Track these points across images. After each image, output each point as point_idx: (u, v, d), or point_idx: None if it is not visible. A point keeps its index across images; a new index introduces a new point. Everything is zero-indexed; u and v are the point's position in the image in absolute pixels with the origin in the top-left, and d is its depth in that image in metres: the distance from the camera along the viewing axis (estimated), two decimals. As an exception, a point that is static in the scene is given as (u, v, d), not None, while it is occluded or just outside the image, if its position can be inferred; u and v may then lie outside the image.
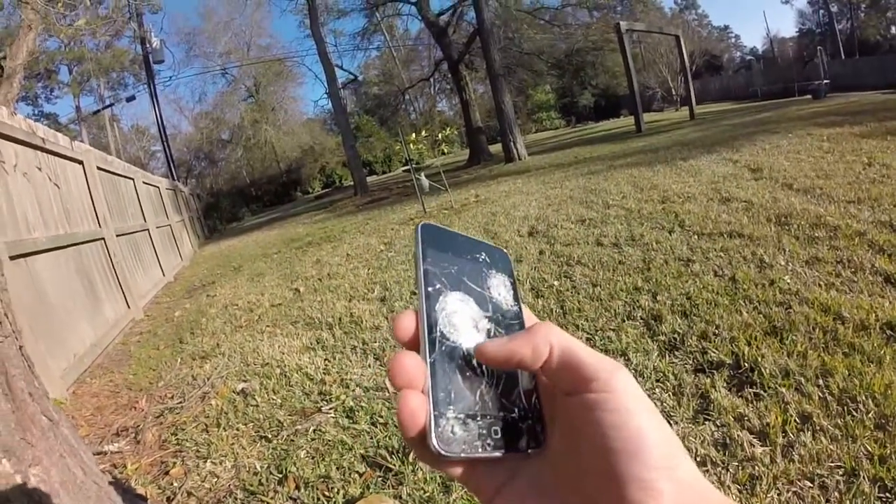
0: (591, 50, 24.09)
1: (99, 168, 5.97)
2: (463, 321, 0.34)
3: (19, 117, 4.20)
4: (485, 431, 0.31)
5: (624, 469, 0.26)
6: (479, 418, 0.31)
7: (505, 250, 0.41)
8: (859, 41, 35.36)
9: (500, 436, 0.31)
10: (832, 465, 1.49)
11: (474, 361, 0.33)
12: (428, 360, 0.31)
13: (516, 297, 0.39)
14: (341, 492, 1.81)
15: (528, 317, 0.38)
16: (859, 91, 17.33)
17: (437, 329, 0.33)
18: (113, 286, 5.21)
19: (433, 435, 0.29)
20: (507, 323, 0.36)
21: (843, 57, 29.88)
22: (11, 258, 3.21)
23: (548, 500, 0.30)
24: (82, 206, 5.13)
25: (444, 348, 0.32)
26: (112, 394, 3.31)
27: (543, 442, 0.32)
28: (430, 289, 0.34)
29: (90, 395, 3.33)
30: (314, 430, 2.27)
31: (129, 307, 5.41)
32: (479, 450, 0.30)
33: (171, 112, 38.57)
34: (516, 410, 0.32)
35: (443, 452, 0.29)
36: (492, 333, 0.35)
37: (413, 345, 0.33)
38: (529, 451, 0.31)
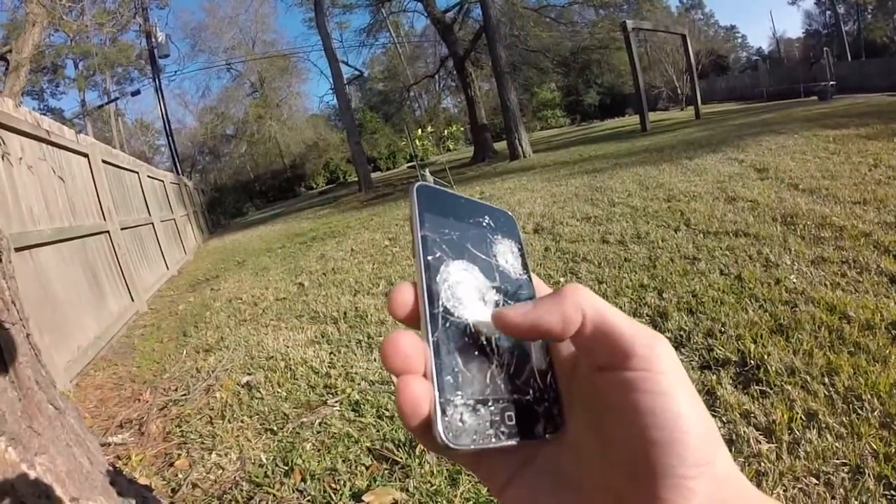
0: (596, 48, 24.01)
1: (104, 161, 5.98)
2: (468, 293, 0.30)
3: (25, 109, 4.21)
4: (497, 418, 0.27)
5: (657, 462, 0.23)
6: (490, 403, 0.27)
7: (510, 213, 0.37)
8: (866, 43, 35.15)
9: (514, 422, 0.27)
10: (838, 462, 1.48)
11: (483, 338, 0.29)
12: (430, 338, 0.27)
13: (525, 266, 0.35)
14: (348, 484, 1.81)
15: (539, 286, 0.35)
16: (866, 93, 17.23)
17: (440, 303, 0.29)
18: (117, 279, 5.23)
19: (440, 425, 0.25)
20: (517, 294, 0.33)
21: (849, 58, 29.67)
22: (17, 250, 3.22)
23: (566, 491, 0.27)
24: (87, 199, 5.14)
25: (447, 325, 0.28)
26: (116, 386, 3.32)
27: (562, 425, 0.29)
28: (429, 257, 0.30)
29: (94, 387, 3.35)
30: (320, 423, 2.27)
31: (132, 300, 5.43)
32: (493, 439, 0.26)
33: (176, 107, 38.73)
34: (531, 392, 0.29)
35: (451, 445, 0.25)
36: (500, 306, 0.31)
37: (412, 322, 0.29)
38: (547, 436, 0.28)
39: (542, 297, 0.29)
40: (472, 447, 0.26)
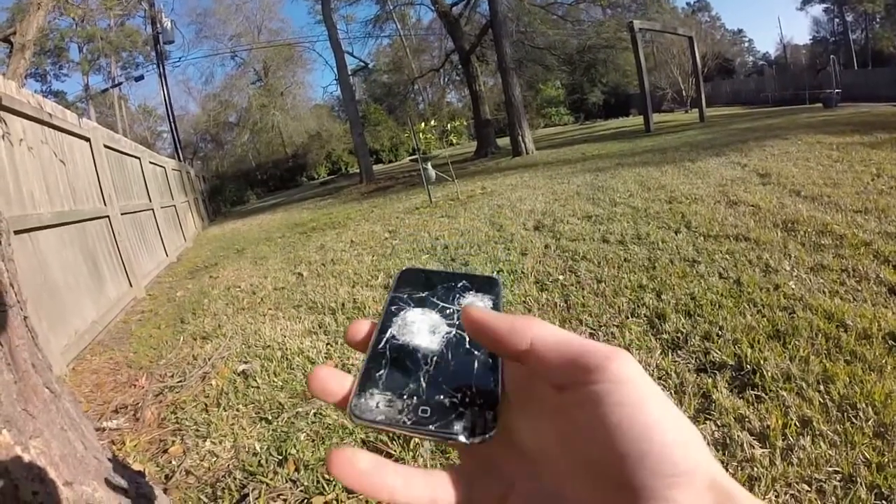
0: (602, 47, 23.99)
1: (106, 146, 5.96)
2: (418, 327, 0.34)
3: (27, 92, 4.19)
4: (411, 409, 0.30)
5: (632, 475, 0.22)
6: (406, 397, 0.30)
7: (497, 277, 0.39)
8: (873, 52, 35.09)
9: (428, 415, 0.29)
10: (830, 470, 1.49)
11: (420, 354, 0.32)
12: (368, 352, 0.32)
13: (495, 308, 0.36)
14: (340, 476, 1.81)
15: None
16: (871, 102, 17.18)
17: (389, 332, 0.33)
18: (116, 264, 5.22)
19: (352, 400, 0.30)
20: None
21: (856, 67, 29.62)
22: (16, 233, 3.21)
23: None
24: (88, 184, 5.13)
25: (392, 344, 0.33)
26: (112, 371, 3.33)
27: (491, 433, 0.29)
28: (392, 307, 0.35)
29: (90, 371, 3.35)
30: (315, 414, 2.28)
31: (131, 286, 5.42)
32: (399, 424, 0.29)
33: (180, 93, 38.71)
34: (458, 397, 0.30)
35: (356, 416, 0.29)
36: (451, 336, 0.34)
37: (361, 348, 0.33)
38: (468, 440, 0.29)
39: (499, 315, 0.30)
40: (377, 425, 0.29)
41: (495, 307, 0.36)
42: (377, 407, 0.29)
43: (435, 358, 0.32)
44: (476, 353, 0.33)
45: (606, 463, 0.23)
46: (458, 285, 0.37)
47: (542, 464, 0.28)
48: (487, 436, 0.29)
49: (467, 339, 0.33)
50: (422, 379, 0.31)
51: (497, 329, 0.29)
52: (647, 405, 0.24)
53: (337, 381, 0.31)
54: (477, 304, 0.36)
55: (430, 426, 0.29)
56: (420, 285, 0.37)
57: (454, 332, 0.34)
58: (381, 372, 0.31)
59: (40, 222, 3.62)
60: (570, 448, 0.26)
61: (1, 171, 3.32)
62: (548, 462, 0.28)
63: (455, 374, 0.32)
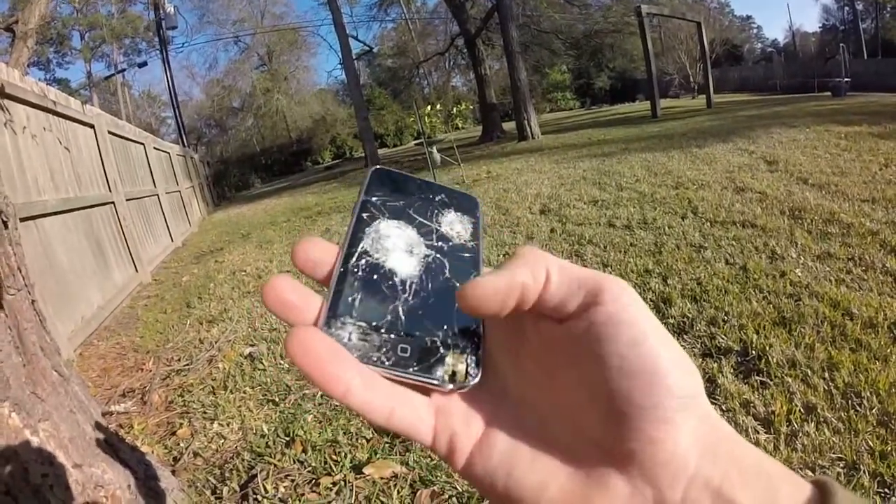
0: (609, 32, 23.73)
1: (110, 132, 5.96)
2: (394, 244, 0.30)
3: (30, 80, 4.18)
4: (388, 347, 0.26)
5: (640, 396, 0.22)
6: (384, 332, 0.27)
7: (476, 197, 0.36)
8: (883, 42, 34.48)
9: (407, 355, 0.26)
10: (834, 456, 1.49)
11: (397, 279, 0.29)
12: (338, 269, 0.28)
13: (475, 237, 0.34)
14: (348, 456, 1.83)
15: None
16: (880, 92, 16.93)
17: (359, 246, 0.29)
18: (122, 250, 5.25)
19: (321, 330, 0.25)
20: (455, 255, 0.32)
21: (865, 56, 29.13)
22: (22, 220, 3.22)
23: (531, 450, 0.26)
24: (93, 170, 5.14)
25: (362, 262, 0.28)
26: (119, 356, 3.36)
27: (473, 380, 0.27)
28: (364, 214, 0.31)
29: (97, 356, 3.38)
30: (321, 395, 2.29)
31: (137, 271, 5.45)
32: (376, 362, 0.26)
33: (183, 79, 38.36)
34: (440, 337, 0.28)
35: None
36: (430, 261, 0.30)
37: (313, 273, 0.28)
38: (450, 386, 0.27)
39: (498, 267, 0.27)
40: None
41: (475, 231, 0.34)
42: (350, 340, 0.26)
43: (414, 286, 0.29)
44: (457, 284, 0.30)
45: (612, 385, 0.23)
46: (437, 199, 0.34)
47: (523, 406, 0.27)
48: (470, 383, 0.27)
49: (447, 265, 0.31)
50: (400, 310, 0.28)
51: (525, 286, 0.25)
52: (656, 329, 0.24)
53: (300, 297, 0.26)
54: (456, 225, 0.33)
55: (410, 368, 0.26)
56: (394, 191, 0.33)
57: (433, 256, 0.31)
58: (355, 297, 0.27)
59: (45, 209, 3.63)
60: (560, 384, 0.25)
61: (6, 159, 3.32)
62: (530, 404, 0.27)
63: (436, 308, 0.29)
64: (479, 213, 0.35)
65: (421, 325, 0.28)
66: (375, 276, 0.28)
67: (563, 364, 0.25)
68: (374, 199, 0.32)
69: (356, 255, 0.29)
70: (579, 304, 0.25)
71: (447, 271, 0.31)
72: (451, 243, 0.32)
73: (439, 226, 0.33)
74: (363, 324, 0.26)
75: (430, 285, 0.29)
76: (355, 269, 0.28)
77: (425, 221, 0.32)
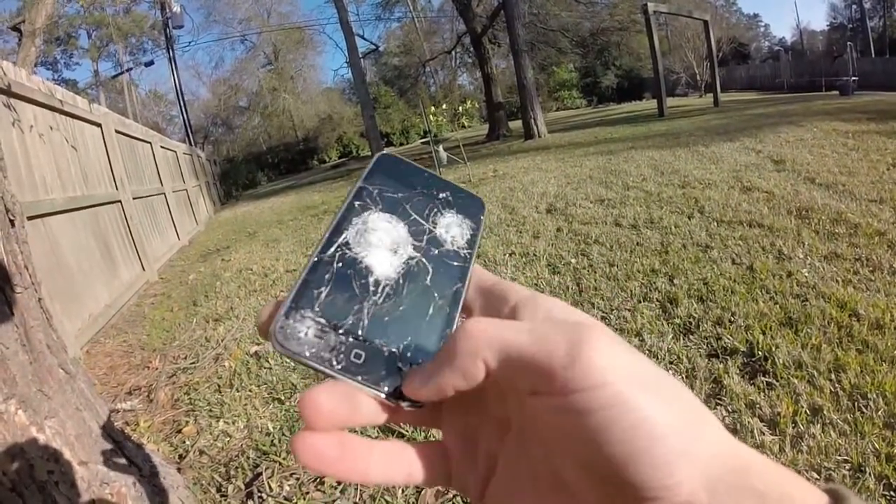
0: (616, 30, 23.64)
1: (117, 131, 5.99)
2: (381, 240, 0.28)
3: (37, 79, 4.21)
4: (342, 349, 0.25)
5: (626, 475, 0.20)
6: (342, 334, 0.25)
7: (482, 200, 0.34)
8: (891, 40, 34.14)
9: (360, 362, 0.25)
10: (840, 459, 1.48)
11: (371, 279, 0.27)
12: (313, 257, 0.26)
13: (471, 245, 0.31)
14: (351, 456, 1.83)
15: (482, 275, 0.31)
16: (888, 91, 16.78)
17: (343, 236, 0.28)
18: (129, 248, 5.28)
19: (277, 322, 0.24)
20: (442, 262, 0.30)
21: (873, 55, 28.86)
22: (29, 218, 3.25)
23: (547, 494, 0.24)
24: (100, 169, 5.17)
25: (339, 253, 0.27)
26: (125, 354, 3.38)
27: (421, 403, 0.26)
28: (356, 202, 0.29)
29: (104, 354, 3.40)
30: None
31: (143, 269, 5.48)
32: (325, 364, 0.24)
33: (189, 77, 38.62)
34: (399, 349, 0.26)
35: (279, 343, 0.24)
36: (413, 264, 0.29)
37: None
38: (401, 403, 0.25)
39: (438, 353, 0.25)
40: (300, 359, 0.24)
41: (472, 238, 0.32)
42: (306, 336, 0.24)
43: (387, 289, 0.27)
44: (435, 295, 0.28)
45: (595, 468, 0.21)
46: (440, 196, 0.32)
47: (529, 440, 0.25)
48: (420, 404, 0.26)
49: (430, 272, 0.29)
50: (365, 312, 0.26)
51: (455, 385, 0.24)
52: (629, 399, 0.20)
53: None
54: (453, 229, 0.31)
55: (359, 376, 0.25)
56: (397, 181, 0.31)
57: (417, 259, 0.29)
58: (322, 291, 0.26)
59: (53, 208, 3.65)
60: (552, 461, 0.23)
61: (13, 158, 3.34)
62: (535, 439, 0.24)
63: (405, 316, 0.27)
64: (482, 218, 0.34)
65: (383, 332, 0.26)
66: (349, 272, 0.27)
67: (550, 443, 0.23)
68: (371, 187, 0.30)
69: (336, 244, 0.27)
70: (535, 390, 0.22)
71: (429, 278, 0.29)
72: (442, 248, 0.30)
73: (434, 226, 0.31)
74: (323, 321, 0.25)
75: (404, 291, 0.28)
76: (330, 261, 0.27)
77: (420, 219, 0.31)
